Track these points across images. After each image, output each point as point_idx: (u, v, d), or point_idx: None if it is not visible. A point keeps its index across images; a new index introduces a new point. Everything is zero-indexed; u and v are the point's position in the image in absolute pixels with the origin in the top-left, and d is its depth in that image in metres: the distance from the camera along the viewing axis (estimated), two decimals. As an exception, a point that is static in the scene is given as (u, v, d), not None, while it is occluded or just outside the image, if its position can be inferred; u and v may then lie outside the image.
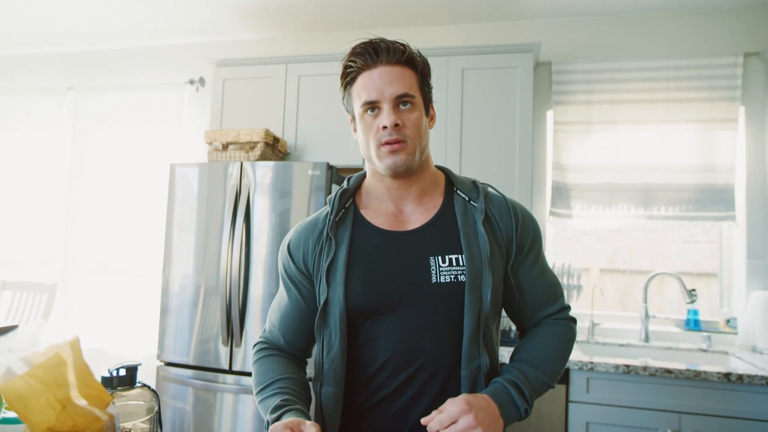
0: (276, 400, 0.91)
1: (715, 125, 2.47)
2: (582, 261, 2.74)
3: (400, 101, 0.94)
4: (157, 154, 3.19)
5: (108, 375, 0.77)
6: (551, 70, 2.67)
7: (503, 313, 1.08)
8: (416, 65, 0.98)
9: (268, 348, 1.06)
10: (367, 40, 0.97)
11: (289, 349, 1.06)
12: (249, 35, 3.12)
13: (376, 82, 0.94)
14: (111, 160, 3.30)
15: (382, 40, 0.95)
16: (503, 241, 1.00)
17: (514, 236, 1.00)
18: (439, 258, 0.96)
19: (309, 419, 0.86)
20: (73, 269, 3.29)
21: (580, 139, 2.62)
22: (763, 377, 1.81)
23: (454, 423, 0.80)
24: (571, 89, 2.64)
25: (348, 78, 0.99)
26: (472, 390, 0.93)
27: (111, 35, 3.20)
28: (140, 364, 0.80)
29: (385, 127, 0.93)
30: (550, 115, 2.70)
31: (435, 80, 2.47)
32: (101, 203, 3.28)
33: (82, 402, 0.60)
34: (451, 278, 0.94)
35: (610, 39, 2.67)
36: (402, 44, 0.96)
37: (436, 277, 0.95)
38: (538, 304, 1.04)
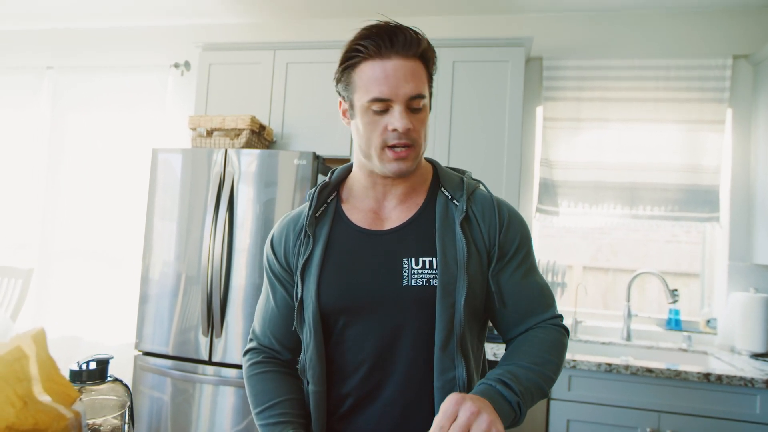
0: None
1: (703, 126, 2.48)
2: (565, 258, 2.75)
3: (413, 102, 0.87)
4: (139, 139, 3.11)
5: (77, 369, 0.73)
6: (542, 66, 2.65)
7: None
8: (428, 59, 0.90)
9: (263, 361, 1.01)
10: (381, 22, 0.86)
11: (281, 350, 1.02)
12: (236, 19, 3.05)
13: (390, 78, 0.84)
14: (91, 143, 3.20)
15: (399, 27, 0.86)
16: (484, 244, 0.93)
17: (497, 239, 0.93)
18: (412, 260, 0.91)
19: None
20: (50, 254, 3.20)
21: (569, 136, 2.61)
22: (741, 378, 1.83)
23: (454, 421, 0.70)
24: (562, 85, 2.62)
25: (352, 61, 0.88)
26: None
27: (93, 14, 3.10)
28: (112, 357, 0.76)
29: (395, 130, 0.86)
30: (539, 110, 2.69)
31: (425, 72, 2.44)
32: (80, 187, 3.19)
33: (45, 398, 0.56)
34: (422, 282, 0.89)
35: (602, 36, 2.66)
36: (419, 34, 0.87)
37: (408, 280, 0.90)
38: (523, 312, 0.95)
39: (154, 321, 2.27)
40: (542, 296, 0.96)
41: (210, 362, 2.19)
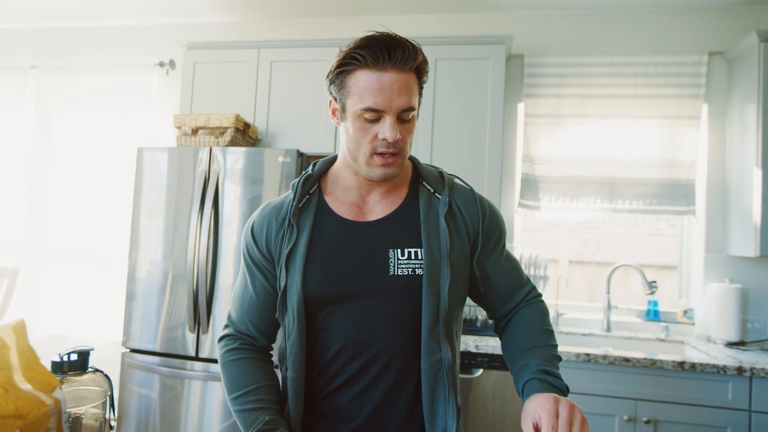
0: (258, 420, 0.91)
1: (680, 122, 2.54)
2: (551, 252, 2.80)
3: (404, 114, 0.91)
4: (124, 138, 3.12)
5: (59, 360, 0.76)
6: (523, 63, 2.69)
7: (468, 301, 1.09)
8: (422, 72, 0.94)
9: (239, 348, 1.03)
10: (380, 33, 0.89)
11: (258, 337, 1.04)
12: (221, 18, 3.06)
13: (385, 90, 0.88)
14: (77, 142, 3.21)
15: (396, 39, 0.89)
16: (467, 235, 1.00)
17: (481, 229, 1.00)
18: (398, 251, 0.96)
19: None
20: (37, 254, 3.20)
21: (550, 132, 2.66)
22: (714, 366, 1.89)
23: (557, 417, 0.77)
24: (542, 82, 2.67)
25: (348, 67, 0.91)
26: (433, 384, 0.93)
27: (78, 13, 3.10)
28: (92, 349, 0.79)
29: (384, 139, 0.90)
30: (520, 107, 2.73)
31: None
32: (66, 186, 3.20)
33: (26, 386, 0.59)
34: (408, 271, 0.95)
35: (581, 34, 2.70)
36: (415, 49, 0.90)
37: (394, 270, 0.95)
38: (508, 292, 1.05)
39: (141, 318, 2.29)
40: (519, 272, 1.08)
41: (197, 358, 2.22)
